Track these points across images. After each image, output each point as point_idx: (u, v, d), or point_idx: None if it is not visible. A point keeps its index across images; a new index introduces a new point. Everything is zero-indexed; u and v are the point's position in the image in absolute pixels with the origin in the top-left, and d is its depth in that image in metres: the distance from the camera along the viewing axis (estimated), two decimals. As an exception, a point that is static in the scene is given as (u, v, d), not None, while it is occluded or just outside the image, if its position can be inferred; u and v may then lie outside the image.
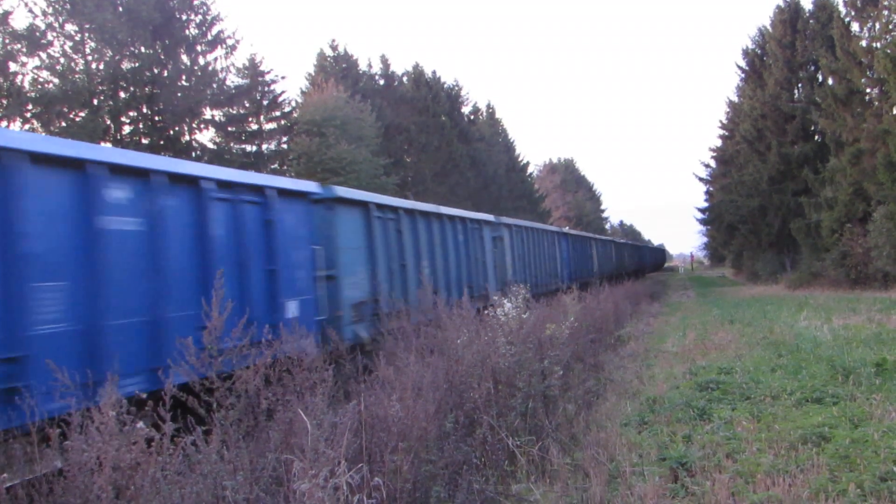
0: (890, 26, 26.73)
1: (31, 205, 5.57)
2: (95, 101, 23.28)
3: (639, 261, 58.74)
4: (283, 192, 8.71)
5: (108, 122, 23.55)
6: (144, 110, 24.94)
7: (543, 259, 22.38)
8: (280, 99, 32.61)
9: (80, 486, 3.61)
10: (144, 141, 24.39)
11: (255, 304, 7.57)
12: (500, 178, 49.74)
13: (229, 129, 29.99)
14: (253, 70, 30.87)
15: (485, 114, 57.54)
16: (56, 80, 22.60)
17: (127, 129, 24.72)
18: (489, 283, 16.08)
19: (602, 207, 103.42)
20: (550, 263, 23.39)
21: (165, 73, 25.05)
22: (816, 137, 36.72)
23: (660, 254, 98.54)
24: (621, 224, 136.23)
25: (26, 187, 5.53)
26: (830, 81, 31.92)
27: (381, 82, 45.36)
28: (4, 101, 21.06)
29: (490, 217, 17.60)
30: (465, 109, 52.83)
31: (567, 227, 31.50)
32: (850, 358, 10.07)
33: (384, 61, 46.36)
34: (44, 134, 20.28)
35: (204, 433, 4.06)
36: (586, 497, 5.29)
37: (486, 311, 8.19)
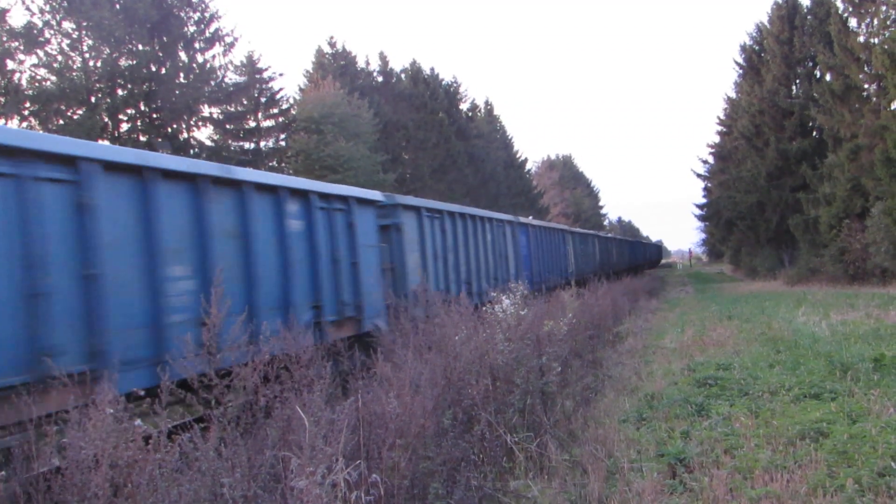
0: (888, 22, 26.73)
1: None
2: (93, 99, 23.24)
3: (630, 258, 53.08)
4: None
5: (106, 119, 23.49)
6: (142, 108, 24.85)
7: (487, 258, 16.88)
8: (278, 96, 32.58)
9: (78, 483, 3.61)
10: (142, 138, 24.34)
11: None
12: (498, 175, 49.75)
13: (227, 126, 29.92)
14: (251, 67, 30.82)
15: (483, 110, 57.57)
16: (53, 78, 22.56)
17: (125, 126, 24.66)
18: (365, 301, 10.07)
19: (600, 204, 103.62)
20: (499, 264, 18.02)
21: (163, 71, 24.99)
22: (814, 133, 36.76)
23: (655, 250, 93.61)
24: (619, 220, 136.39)
25: None
26: (828, 77, 31.94)
27: (380, 79, 45.33)
28: (2, 99, 21.02)
29: (374, 194, 11.38)
30: (464, 106, 52.87)
31: (530, 217, 25.00)
32: (848, 354, 10.08)
33: (382, 58, 46.35)
34: (42, 132, 20.23)
35: (202, 430, 4.06)
36: (584, 493, 5.29)
37: (483, 309, 8.18)
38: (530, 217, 25.17)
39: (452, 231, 14.73)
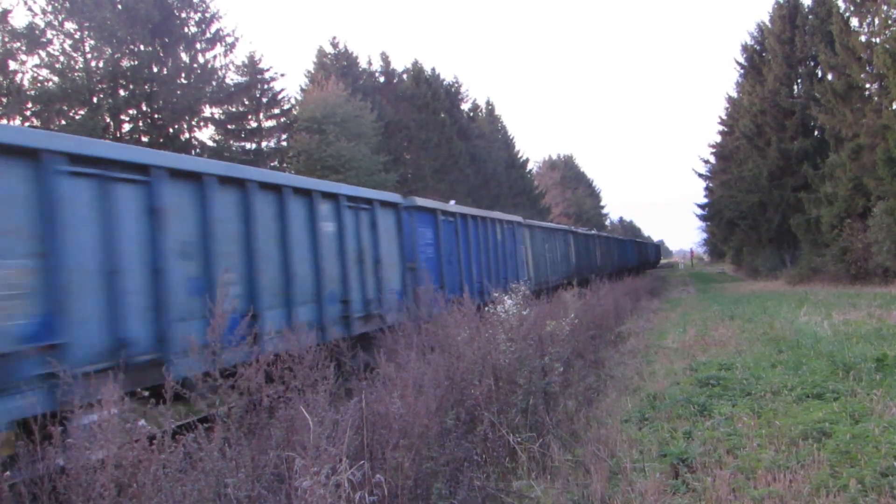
0: (889, 21, 26.71)
1: None
2: (95, 99, 23.26)
3: (620, 260, 45.99)
4: None
5: (108, 119, 23.51)
6: (144, 108, 24.89)
7: (320, 264, 9.21)
8: (279, 96, 32.61)
9: (83, 483, 3.61)
10: (144, 139, 24.36)
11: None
12: (499, 175, 49.76)
13: (229, 126, 29.97)
14: (252, 68, 30.83)
15: (484, 111, 57.59)
16: (55, 79, 22.59)
17: (126, 126, 24.70)
18: None
19: (602, 204, 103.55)
20: (361, 274, 10.44)
21: (165, 71, 25.01)
22: (816, 133, 36.72)
23: (653, 250, 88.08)
24: (621, 220, 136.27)
25: None
26: (830, 77, 31.91)
27: (381, 79, 45.36)
28: (4, 100, 21.04)
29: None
30: (465, 106, 52.91)
31: (452, 202, 16.64)
32: (851, 353, 10.07)
33: (384, 58, 46.39)
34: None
35: (206, 430, 4.07)
36: (587, 493, 5.30)
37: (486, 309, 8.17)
38: (452, 202, 16.77)
39: (235, 212, 7.67)
